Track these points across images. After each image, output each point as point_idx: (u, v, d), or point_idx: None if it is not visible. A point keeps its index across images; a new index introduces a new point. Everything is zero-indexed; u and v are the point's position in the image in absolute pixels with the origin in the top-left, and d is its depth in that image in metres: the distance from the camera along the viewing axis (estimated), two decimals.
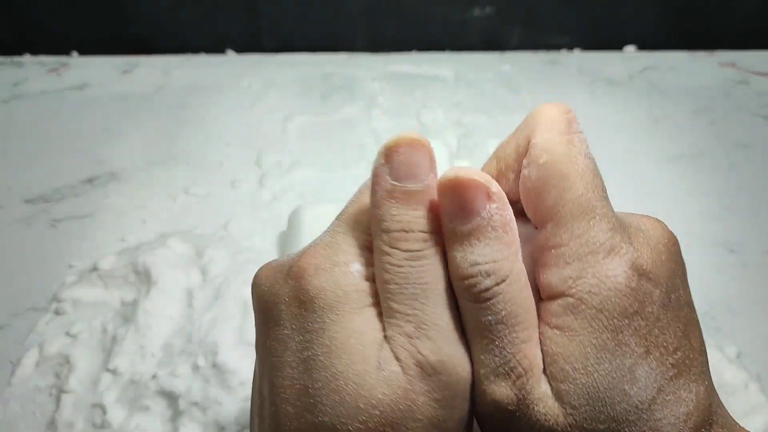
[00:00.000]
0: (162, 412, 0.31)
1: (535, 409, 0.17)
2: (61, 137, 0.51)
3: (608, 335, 0.17)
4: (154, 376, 0.32)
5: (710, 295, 0.38)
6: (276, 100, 0.56)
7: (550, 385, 0.17)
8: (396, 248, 0.18)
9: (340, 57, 0.62)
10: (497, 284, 0.17)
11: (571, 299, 0.17)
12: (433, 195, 0.19)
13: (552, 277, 0.18)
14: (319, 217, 0.38)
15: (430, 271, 0.18)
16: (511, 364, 0.17)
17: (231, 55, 0.63)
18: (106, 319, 0.36)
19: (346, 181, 0.47)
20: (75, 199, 0.45)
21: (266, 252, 0.40)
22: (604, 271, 0.17)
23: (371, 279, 0.19)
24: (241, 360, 0.31)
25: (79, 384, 0.33)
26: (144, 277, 0.37)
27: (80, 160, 0.49)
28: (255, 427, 0.21)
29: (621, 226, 0.18)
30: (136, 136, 0.52)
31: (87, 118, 0.53)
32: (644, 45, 0.64)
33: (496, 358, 0.17)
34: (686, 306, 0.18)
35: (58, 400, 0.32)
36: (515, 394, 0.17)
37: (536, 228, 0.19)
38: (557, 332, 0.17)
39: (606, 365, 0.17)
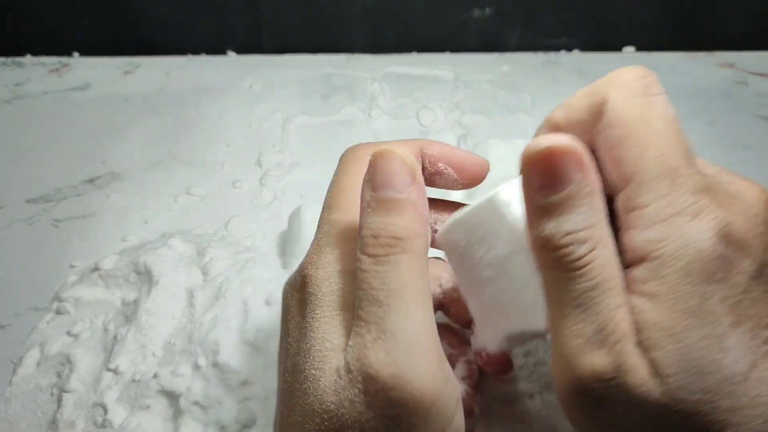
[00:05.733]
0: (163, 411, 0.31)
1: (632, 377, 0.16)
2: (62, 138, 0.51)
3: (695, 301, 0.16)
4: (155, 376, 0.32)
5: None
6: (276, 100, 0.56)
7: (642, 353, 0.17)
8: (365, 254, 0.18)
9: (340, 58, 0.63)
10: (591, 250, 0.17)
11: (655, 263, 0.16)
12: (415, 203, 0.19)
13: (636, 238, 0.17)
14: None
15: (395, 277, 0.18)
16: (608, 330, 0.17)
17: (232, 56, 0.63)
18: (107, 319, 0.36)
19: None
20: (77, 199, 0.46)
21: (267, 252, 0.40)
22: (689, 233, 0.16)
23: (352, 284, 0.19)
24: (241, 359, 0.31)
25: (80, 383, 0.33)
26: (145, 277, 0.37)
27: (82, 160, 0.49)
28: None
29: (711, 189, 0.17)
30: (137, 136, 0.52)
31: (88, 119, 0.53)
32: (643, 46, 0.64)
33: (592, 326, 0.17)
34: None
35: (59, 400, 0.32)
36: (613, 361, 0.16)
37: (614, 191, 0.19)
38: (644, 299, 0.17)
39: (695, 332, 0.16)
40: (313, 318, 0.19)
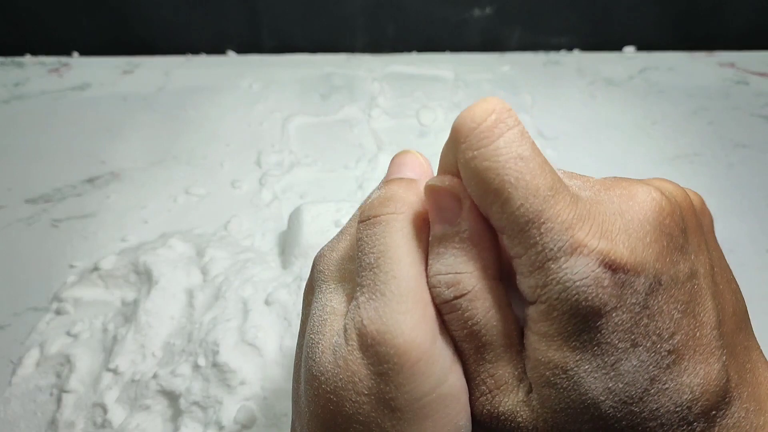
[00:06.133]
0: (162, 411, 0.31)
1: (509, 422, 0.17)
2: (62, 137, 0.51)
3: (586, 336, 0.15)
4: (154, 376, 0.32)
5: None
6: (276, 100, 0.56)
7: (532, 391, 0.17)
8: (361, 222, 0.19)
9: (340, 57, 0.63)
10: (457, 297, 0.17)
11: (543, 307, 0.16)
12: (419, 186, 0.20)
13: (521, 285, 0.17)
14: (319, 217, 0.38)
15: (385, 238, 0.18)
16: (476, 382, 0.17)
17: (231, 56, 0.63)
18: (106, 319, 0.36)
19: (346, 181, 0.47)
20: (76, 199, 0.46)
21: (266, 252, 0.40)
22: (568, 276, 0.15)
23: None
24: (241, 359, 0.31)
25: (79, 383, 0.33)
26: (145, 277, 0.37)
27: (81, 160, 0.49)
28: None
29: (585, 216, 0.16)
30: (137, 136, 0.52)
31: (88, 119, 0.53)
32: (643, 45, 0.64)
33: (469, 374, 0.17)
34: (689, 279, 0.16)
35: (59, 400, 0.32)
36: (493, 409, 0.17)
37: None
38: (536, 338, 0.16)
39: (586, 365, 0.16)
40: (319, 291, 0.20)
